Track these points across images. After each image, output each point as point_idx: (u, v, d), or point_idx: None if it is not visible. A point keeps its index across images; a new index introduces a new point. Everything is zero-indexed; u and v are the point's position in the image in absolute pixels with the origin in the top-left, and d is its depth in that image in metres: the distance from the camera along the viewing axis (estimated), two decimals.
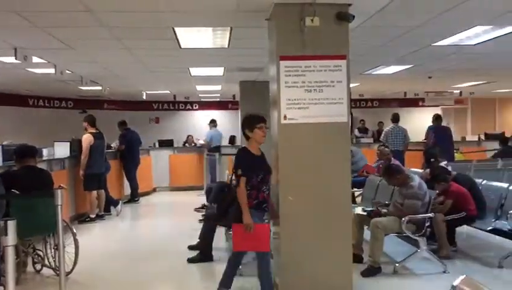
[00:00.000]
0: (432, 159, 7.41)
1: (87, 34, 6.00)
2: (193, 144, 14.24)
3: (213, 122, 13.22)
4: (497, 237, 6.19)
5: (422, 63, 8.87)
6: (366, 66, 9.39)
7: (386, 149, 8.71)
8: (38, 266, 5.54)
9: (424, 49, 7.43)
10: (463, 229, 6.47)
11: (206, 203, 8.08)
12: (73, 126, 11.59)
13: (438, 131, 10.58)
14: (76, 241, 5.28)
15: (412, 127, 13.27)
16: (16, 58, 6.76)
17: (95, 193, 8.60)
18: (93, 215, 8.62)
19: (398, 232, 5.40)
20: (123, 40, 6.39)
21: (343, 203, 4.58)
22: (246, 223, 4.07)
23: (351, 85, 4.89)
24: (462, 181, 6.19)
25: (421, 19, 5.53)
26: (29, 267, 5.50)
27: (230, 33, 6.03)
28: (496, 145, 11.93)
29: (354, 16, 4.43)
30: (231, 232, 5.72)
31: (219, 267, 5.72)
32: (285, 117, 4.43)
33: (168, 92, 14.22)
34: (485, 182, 6.48)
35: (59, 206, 4.22)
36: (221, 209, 4.30)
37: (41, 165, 6.62)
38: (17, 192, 5.16)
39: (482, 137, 14.60)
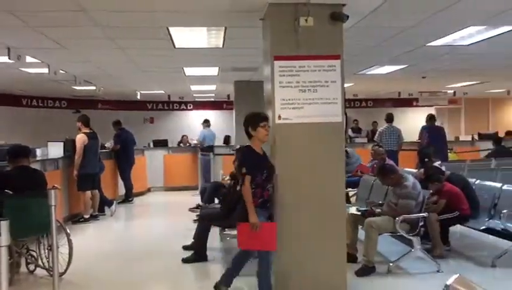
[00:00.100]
0: (426, 159, 7.44)
1: (81, 33, 5.98)
2: (188, 144, 14.23)
3: (206, 122, 13.23)
4: (490, 236, 6.22)
5: (416, 63, 8.91)
6: (360, 66, 9.42)
7: (381, 149, 8.73)
8: (31, 267, 5.51)
9: (418, 50, 7.46)
10: (456, 229, 6.49)
11: (200, 203, 8.07)
12: (67, 126, 11.54)
13: (432, 131, 10.62)
14: (70, 241, 5.26)
15: (406, 127, 13.32)
16: (9, 58, 6.73)
17: (89, 193, 8.57)
18: (87, 216, 8.58)
19: (392, 232, 5.41)
20: (117, 39, 6.37)
21: (338, 203, 4.59)
22: (253, 222, 4.03)
23: (345, 85, 4.91)
24: (456, 181, 6.22)
25: (414, 19, 5.55)
26: (23, 268, 5.47)
27: (225, 33, 6.03)
28: (489, 145, 11.99)
29: (348, 16, 4.44)
30: (226, 233, 5.76)
31: (214, 268, 5.73)
32: (279, 117, 4.43)
33: (163, 92, 14.20)
34: (478, 181, 6.51)
35: (53, 207, 4.20)
36: (225, 208, 4.25)
37: (35, 166, 6.58)
38: (11, 192, 5.14)
39: (476, 137, 14.66)
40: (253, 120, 4.28)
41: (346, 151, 9.40)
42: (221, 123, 17.00)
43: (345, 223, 4.84)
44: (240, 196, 4.22)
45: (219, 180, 8.68)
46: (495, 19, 5.53)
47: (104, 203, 9.22)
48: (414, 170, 7.40)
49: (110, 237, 7.99)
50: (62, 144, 8.92)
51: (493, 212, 5.90)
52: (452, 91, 15.21)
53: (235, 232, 5.46)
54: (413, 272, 5.35)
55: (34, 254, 5.42)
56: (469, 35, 6.44)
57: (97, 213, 8.89)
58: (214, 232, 6.17)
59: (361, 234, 5.72)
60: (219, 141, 14.31)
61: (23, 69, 8.85)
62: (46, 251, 5.29)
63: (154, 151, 13.24)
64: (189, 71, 9.56)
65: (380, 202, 6.02)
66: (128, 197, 10.88)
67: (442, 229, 5.83)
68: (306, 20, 4.33)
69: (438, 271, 5.23)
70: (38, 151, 8.32)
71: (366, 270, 5.19)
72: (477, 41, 6.78)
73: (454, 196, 5.93)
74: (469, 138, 14.87)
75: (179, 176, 13.02)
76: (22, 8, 4.88)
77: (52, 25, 5.58)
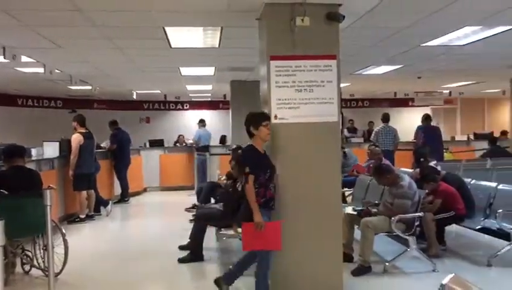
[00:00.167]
0: (422, 159, 7.45)
1: (77, 33, 5.97)
2: (184, 144, 14.22)
3: (202, 122, 13.23)
4: (485, 235, 6.23)
5: (412, 63, 8.93)
6: (357, 66, 9.43)
7: (377, 149, 8.75)
8: (27, 267, 5.48)
9: (414, 50, 7.48)
10: (452, 228, 6.51)
11: (196, 203, 8.06)
12: (62, 126, 11.49)
13: (427, 131, 10.64)
14: (65, 241, 5.23)
15: (402, 127, 13.35)
16: (4, 58, 6.71)
17: (84, 193, 8.55)
18: (82, 216, 8.56)
19: (388, 232, 5.42)
20: (113, 39, 6.36)
21: (334, 203, 4.60)
22: (257, 222, 3.99)
23: (342, 85, 4.92)
24: (451, 181, 6.24)
25: (410, 20, 5.56)
26: (18, 268, 5.45)
27: (221, 33, 6.03)
28: (484, 144, 12.03)
29: (344, 16, 4.45)
30: (222, 232, 5.76)
31: (210, 267, 5.73)
32: (275, 117, 4.44)
33: (159, 91, 14.17)
34: (474, 181, 6.53)
35: (48, 207, 4.19)
36: (229, 209, 4.20)
37: (30, 165, 6.56)
38: (6, 192, 5.12)
39: (471, 137, 14.71)
40: (256, 119, 4.24)
41: (344, 152, 9.47)
42: (218, 123, 16.99)
43: (341, 222, 4.85)
44: (242, 195, 4.18)
45: (215, 180, 8.68)
46: (490, 19, 5.55)
47: (100, 203, 9.19)
48: (410, 170, 7.42)
49: (105, 237, 7.97)
50: (58, 143, 8.90)
51: (488, 211, 5.92)
52: (448, 91, 15.26)
53: (231, 232, 5.49)
54: (409, 272, 5.36)
55: (30, 254, 5.40)
56: (465, 36, 6.46)
57: (93, 213, 8.87)
58: (210, 232, 6.17)
59: (357, 233, 5.73)
60: (215, 141, 14.31)
61: (18, 69, 8.82)
62: (42, 251, 5.27)
63: (150, 151, 13.22)
64: (186, 71, 9.55)
65: (376, 201, 6.03)
66: (124, 197, 10.86)
67: (438, 229, 5.85)
68: (302, 20, 4.34)
69: (433, 271, 5.24)
70: (34, 151, 8.29)
71: (362, 270, 5.20)
72: (473, 42, 6.80)
73: (450, 196, 5.94)
74: (465, 138, 14.93)
75: (175, 176, 13.00)
76: (18, 7, 4.87)
77: (48, 24, 5.56)
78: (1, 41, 6.36)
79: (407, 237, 5.37)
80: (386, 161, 7.99)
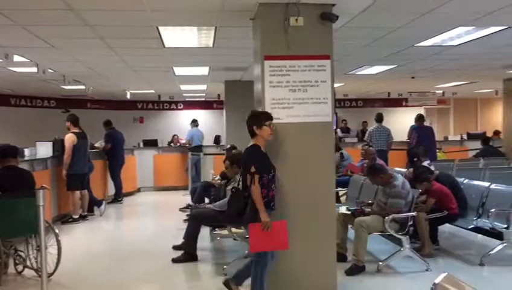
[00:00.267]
0: (415, 159, 7.48)
1: (70, 32, 5.94)
2: (178, 144, 14.21)
3: (194, 122, 13.23)
4: (478, 235, 6.29)
5: (406, 63, 8.96)
6: (350, 66, 9.45)
7: (371, 149, 8.77)
8: (20, 268, 5.45)
9: (407, 50, 7.51)
10: (445, 228, 6.54)
11: (190, 203, 8.05)
12: (56, 126, 11.41)
13: (421, 131, 10.70)
14: (58, 242, 5.21)
15: (396, 126, 13.39)
16: None
17: (78, 193, 8.51)
18: (76, 216, 8.52)
19: (381, 231, 5.44)
20: (106, 39, 6.34)
21: (328, 203, 4.61)
22: (265, 222, 3.95)
23: (336, 85, 4.93)
24: (444, 180, 6.27)
25: (403, 20, 5.58)
26: (11, 269, 5.41)
27: (215, 32, 6.02)
28: (477, 144, 12.10)
29: (337, 16, 4.46)
30: (216, 232, 5.76)
31: (204, 267, 5.73)
32: None
33: (153, 91, 14.14)
34: (466, 181, 6.57)
35: (41, 207, 4.17)
36: (235, 210, 4.09)
37: (23, 166, 6.53)
38: None
39: (464, 137, 14.79)
40: (259, 118, 4.18)
41: (341, 153, 9.52)
42: (212, 123, 16.98)
43: (335, 222, 4.87)
44: (245, 196, 4.09)
45: (209, 180, 8.68)
46: (483, 20, 5.58)
47: (94, 204, 9.17)
48: (403, 170, 7.45)
49: (99, 237, 7.95)
50: (51, 143, 8.86)
51: (481, 211, 5.96)
52: (441, 91, 15.33)
53: (225, 232, 5.48)
54: (403, 271, 5.38)
55: (22, 254, 5.37)
56: (457, 36, 6.49)
57: (86, 213, 8.84)
58: (204, 232, 6.16)
59: (351, 233, 5.74)
60: (209, 141, 14.29)
61: (11, 68, 8.77)
62: (35, 251, 5.24)
63: (144, 151, 13.20)
64: (179, 71, 9.53)
65: (370, 201, 6.05)
66: (117, 197, 10.84)
67: (431, 228, 5.87)
68: (296, 20, 4.34)
69: (426, 270, 5.26)
70: (27, 151, 8.26)
71: (356, 270, 5.21)
72: (466, 42, 6.83)
73: (443, 195, 5.97)
74: (458, 138, 15.01)
75: (169, 176, 12.99)
76: (10, 7, 4.84)
77: (41, 23, 5.53)
78: None
79: (400, 237, 5.39)
80: (379, 161, 8.02)
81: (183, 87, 12.79)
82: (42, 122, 14.16)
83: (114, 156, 10.78)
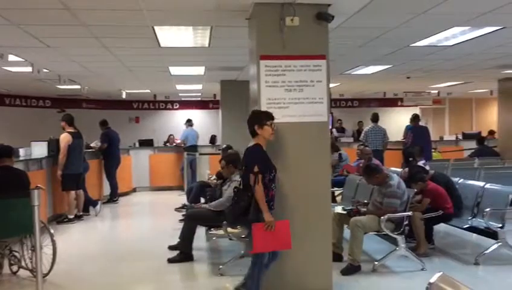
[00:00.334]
0: (410, 159, 7.50)
1: (65, 32, 5.92)
2: (174, 144, 14.20)
3: (189, 122, 13.21)
4: (473, 234, 6.31)
5: (401, 63, 8.98)
6: (346, 66, 9.46)
7: (367, 148, 8.80)
8: (14, 268, 5.43)
9: (403, 50, 7.52)
10: (440, 227, 6.56)
11: (186, 203, 8.04)
12: (51, 126, 11.41)
13: (416, 130, 10.74)
14: (53, 242, 5.19)
15: (392, 126, 13.43)
16: None
17: (73, 193, 8.49)
18: (71, 216, 8.50)
19: (377, 231, 5.44)
20: (101, 38, 6.32)
21: (323, 203, 4.61)
22: (269, 221, 3.95)
23: (332, 85, 4.93)
24: (440, 180, 6.28)
25: (399, 20, 5.59)
26: (6, 269, 5.40)
27: (211, 32, 6.02)
28: (472, 144, 12.15)
29: (333, 16, 4.47)
30: (212, 232, 5.75)
31: (199, 267, 5.72)
32: None
33: (148, 91, 14.12)
34: (461, 180, 6.59)
35: (36, 207, 4.15)
36: (240, 209, 4.04)
37: (18, 166, 6.50)
38: None
39: (460, 136, 14.84)
40: (260, 118, 4.17)
41: (339, 154, 9.54)
42: (208, 122, 16.97)
43: (330, 222, 4.87)
44: (249, 196, 4.05)
45: (205, 180, 8.66)
46: (478, 20, 5.60)
47: (89, 204, 9.14)
48: (399, 169, 7.46)
49: (94, 237, 7.93)
50: (46, 143, 8.83)
51: (476, 210, 5.98)
52: (436, 91, 15.37)
53: (220, 232, 5.48)
54: (398, 271, 5.39)
55: (17, 254, 5.35)
56: (453, 36, 6.51)
57: (81, 213, 8.81)
58: (200, 232, 6.15)
59: (346, 233, 5.75)
60: (205, 141, 14.27)
61: (5, 68, 8.73)
62: (30, 251, 5.21)
63: (140, 151, 13.18)
64: (175, 70, 9.52)
65: (366, 201, 6.06)
66: (113, 197, 10.82)
67: (427, 228, 5.89)
68: (292, 20, 4.34)
69: (422, 269, 5.28)
70: (22, 151, 8.23)
71: (352, 269, 5.22)
72: (461, 42, 6.85)
73: (438, 195, 5.99)
74: (453, 138, 15.07)
75: (165, 176, 12.97)
76: (4, 6, 4.81)
77: (36, 23, 5.51)
78: None
79: (396, 236, 5.40)
80: (375, 161, 8.04)
81: (179, 87, 12.78)
82: (37, 122, 14.11)
83: (110, 155, 10.77)
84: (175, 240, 6.24)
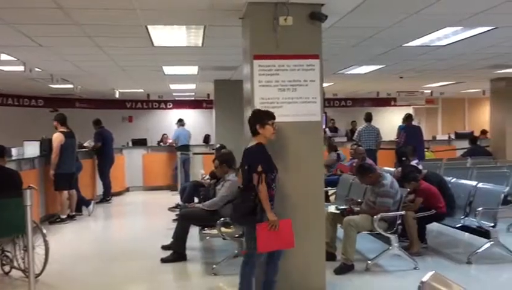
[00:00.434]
0: (404, 158, 7.53)
1: (58, 31, 5.89)
2: (167, 144, 14.17)
3: (180, 121, 13.19)
4: (466, 233, 6.35)
5: (394, 63, 9.01)
6: (340, 66, 9.48)
7: (361, 148, 8.82)
8: (6, 268, 5.41)
9: (396, 50, 7.55)
10: (433, 227, 6.60)
11: (180, 202, 8.03)
12: (43, 125, 11.35)
13: (409, 130, 10.78)
14: (46, 242, 5.17)
15: (385, 126, 13.48)
16: None
17: (66, 193, 8.45)
18: (64, 216, 8.46)
19: (370, 230, 5.46)
20: (94, 37, 6.29)
21: (317, 202, 4.62)
22: (273, 221, 3.95)
23: (325, 84, 4.94)
24: (432, 179, 6.32)
25: (392, 20, 5.61)
26: None
27: (204, 32, 6.01)
28: (465, 144, 12.21)
29: (326, 16, 4.48)
30: (205, 232, 5.74)
31: (193, 267, 5.72)
32: None
33: (142, 90, 14.07)
34: (454, 180, 6.62)
35: (28, 207, 4.13)
36: (247, 209, 4.01)
37: (10, 165, 6.47)
38: None
39: (452, 136, 14.92)
40: (262, 117, 4.15)
41: (338, 154, 9.58)
42: (201, 122, 16.94)
43: (324, 221, 4.88)
44: (253, 196, 4.01)
45: (198, 180, 8.65)
46: (471, 20, 5.62)
47: (82, 203, 9.11)
48: (392, 169, 7.49)
49: (87, 237, 7.90)
50: (38, 143, 8.79)
51: (468, 210, 6.01)
52: (429, 91, 15.44)
53: (214, 231, 5.48)
54: (391, 270, 5.41)
55: (9, 255, 5.33)
56: (445, 36, 6.54)
57: (74, 213, 8.77)
58: (194, 231, 6.15)
59: (340, 232, 5.77)
60: (198, 140, 14.25)
61: None
62: (22, 251, 5.19)
63: (133, 151, 13.14)
64: (169, 70, 9.49)
65: (359, 200, 6.07)
66: (106, 196, 10.78)
67: (419, 227, 5.92)
68: (285, 19, 4.34)
69: (415, 268, 5.30)
70: (14, 151, 8.18)
71: (345, 268, 5.24)
72: (454, 42, 6.88)
73: (431, 195, 6.02)
74: (446, 137, 15.14)
75: (158, 176, 12.94)
76: None
77: (29, 22, 5.48)
78: None
79: (389, 236, 5.42)
80: (368, 160, 8.07)
81: (173, 86, 12.75)
82: (30, 121, 14.03)
83: (104, 155, 10.75)
84: (168, 240, 6.23)
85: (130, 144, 13.48)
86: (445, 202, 6.05)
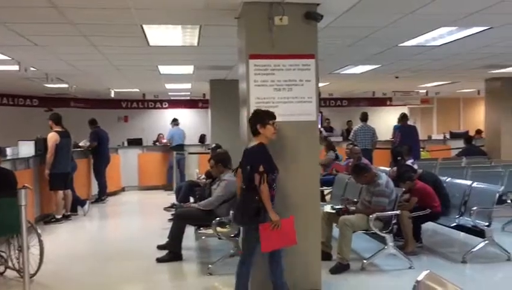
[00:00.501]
0: (399, 158, 7.55)
1: (53, 30, 5.86)
2: (163, 143, 14.15)
3: (174, 121, 13.18)
4: (460, 233, 6.38)
5: (389, 63, 9.03)
6: (335, 66, 9.49)
7: (356, 148, 8.83)
8: (1, 268, 5.38)
9: (391, 50, 7.56)
10: (428, 226, 6.61)
11: (175, 202, 8.02)
12: (39, 125, 11.31)
13: (404, 130, 10.80)
14: (41, 242, 5.15)
15: (381, 126, 13.50)
16: None
17: (61, 192, 8.42)
18: (59, 216, 8.43)
19: (365, 230, 5.47)
20: (89, 37, 6.27)
21: (312, 202, 4.62)
22: (275, 220, 3.96)
23: (321, 84, 4.94)
24: (428, 179, 6.33)
25: (387, 20, 5.62)
26: None
27: (200, 31, 6.00)
28: (460, 143, 12.26)
29: (322, 16, 4.48)
30: (201, 231, 5.74)
31: (188, 267, 5.71)
32: None
33: (137, 90, 14.04)
34: (449, 179, 6.64)
35: (23, 207, 4.12)
36: (253, 210, 3.99)
37: (5, 165, 6.43)
38: None
39: (447, 136, 14.97)
40: (263, 117, 4.15)
41: (336, 155, 9.59)
42: (197, 122, 16.92)
43: (319, 221, 4.88)
44: (258, 197, 4.01)
45: (194, 179, 8.64)
46: (466, 20, 5.64)
47: (77, 203, 9.08)
48: (388, 168, 7.51)
49: (83, 237, 7.87)
50: (33, 143, 8.75)
51: (463, 209, 6.03)
52: (424, 91, 15.48)
53: (210, 231, 5.47)
54: (386, 269, 5.42)
55: (4, 255, 5.30)
56: (440, 36, 6.56)
57: (69, 213, 8.75)
58: (189, 231, 6.14)
59: (335, 231, 5.77)
60: (194, 140, 14.22)
61: None
62: (17, 251, 5.17)
63: (129, 150, 13.11)
64: (164, 69, 9.48)
65: (355, 199, 6.08)
66: (101, 196, 10.76)
67: (414, 227, 5.93)
68: (281, 19, 4.34)
69: (410, 268, 5.32)
70: (9, 151, 8.16)
71: (341, 268, 5.24)
72: (449, 42, 6.90)
73: (426, 194, 6.03)
74: (441, 137, 15.20)
75: (154, 175, 12.92)
76: None
77: (23, 21, 5.45)
78: None
79: (384, 235, 5.44)
80: (364, 160, 8.08)
81: (168, 86, 12.73)
82: (25, 121, 13.97)
83: (99, 154, 10.74)
84: (164, 240, 6.22)
85: (126, 144, 13.45)
86: (440, 201, 6.06)
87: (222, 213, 5.67)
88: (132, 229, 8.49)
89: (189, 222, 6.06)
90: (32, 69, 8.50)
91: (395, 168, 6.66)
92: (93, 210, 9.75)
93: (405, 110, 15.63)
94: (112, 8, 4.96)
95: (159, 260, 5.82)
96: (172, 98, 17.27)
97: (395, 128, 11.17)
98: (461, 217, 5.98)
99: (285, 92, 4.50)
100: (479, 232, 5.62)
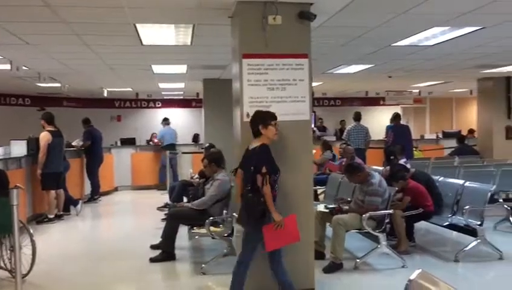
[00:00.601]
0: (392, 157, 7.57)
1: (45, 29, 5.83)
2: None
3: (165, 120, 13.15)
4: (453, 232, 6.41)
5: (383, 62, 9.05)
6: (329, 65, 9.50)
7: (350, 147, 8.86)
8: None
9: (384, 49, 7.58)
10: (421, 225, 6.64)
11: (168, 202, 8.00)
12: (31, 124, 11.24)
13: (397, 129, 10.84)
14: (33, 242, 5.12)
15: (374, 125, 13.54)
16: None
17: (53, 192, 8.38)
18: (51, 216, 8.39)
19: (359, 229, 5.49)
20: (82, 36, 6.24)
21: (305, 201, 4.62)
22: (278, 221, 3.97)
23: (314, 84, 4.94)
24: (420, 178, 6.36)
25: (380, 19, 5.64)
26: None
27: (193, 30, 5.99)
28: (453, 143, 12.32)
29: (315, 15, 4.49)
30: (194, 231, 5.73)
31: (181, 267, 5.70)
32: (247, 115, 4.42)
33: (130, 89, 13.99)
34: (442, 178, 6.67)
35: (15, 206, 4.09)
36: (259, 212, 3.97)
37: None
38: None
39: (440, 135, 15.04)
40: (265, 118, 4.13)
41: (333, 155, 9.62)
42: (191, 121, 16.89)
43: (313, 220, 4.89)
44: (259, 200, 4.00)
45: (187, 179, 8.63)
46: (458, 20, 5.67)
47: (70, 203, 9.03)
48: (381, 168, 7.53)
49: (75, 237, 7.84)
50: (25, 142, 8.70)
51: (456, 208, 6.06)
52: (417, 90, 15.54)
53: (203, 230, 5.47)
54: (380, 268, 5.44)
55: None
56: (433, 36, 6.58)
57: (62, 213, 8.70)
58: (183, 231, 6.13)
59: (329, 231, 5.78)
60: (187, 140, 14.19)
61: None
62: (8, 251, 5.13)
63: (122, 150, 13.06)
64: (157, 69, 9.45)
65: (348, 199, 6.10)
66: (94, 195, 10.72)
67: (407, 226, 5.96)
68: (274, 18, 4.35)
69: (403, 267, 5.34)
70: (1, 150, 8.11)
71: (334, 267, 5.26)
72: (441, 42, 6.93)
73: (419, 193, 6.06)
74: (433, 136, 15.27)
75: (147, 175, 12.88)
76: None
77: (15, 19, 5.41)
78: None
79: (377, 234, 5.45)
80: (357, 159, 8.11)
81: (161, 85, 12.70)
82: (17, 120, 13.88)
83: (93, 154, 10.71)
84: (157, 239, 6.21)
85: (119, 143, 13.40)
86: (433, 200, 6.09)
87: (215, 213, 5.66)
88: (125, 229, 8.46)
89: (182, 222, 6.05)
90: (24, 68, 8.43)
91: (388, 168, 6.68)
92: (86, 210, 9.71)
93: (398, 109, 15.70)
94: (104, 7, 4.94)
95: (152, 260, 5.81)
96: (165, 97, 17.22)
97: (388, 127, 11.20)
98: (453, 216, 6.01)
99: (279, 91, 4.50)
100: (471, 231, 5.65)
